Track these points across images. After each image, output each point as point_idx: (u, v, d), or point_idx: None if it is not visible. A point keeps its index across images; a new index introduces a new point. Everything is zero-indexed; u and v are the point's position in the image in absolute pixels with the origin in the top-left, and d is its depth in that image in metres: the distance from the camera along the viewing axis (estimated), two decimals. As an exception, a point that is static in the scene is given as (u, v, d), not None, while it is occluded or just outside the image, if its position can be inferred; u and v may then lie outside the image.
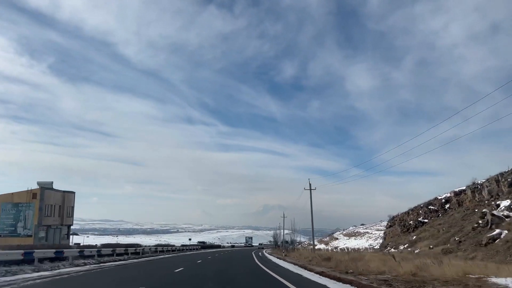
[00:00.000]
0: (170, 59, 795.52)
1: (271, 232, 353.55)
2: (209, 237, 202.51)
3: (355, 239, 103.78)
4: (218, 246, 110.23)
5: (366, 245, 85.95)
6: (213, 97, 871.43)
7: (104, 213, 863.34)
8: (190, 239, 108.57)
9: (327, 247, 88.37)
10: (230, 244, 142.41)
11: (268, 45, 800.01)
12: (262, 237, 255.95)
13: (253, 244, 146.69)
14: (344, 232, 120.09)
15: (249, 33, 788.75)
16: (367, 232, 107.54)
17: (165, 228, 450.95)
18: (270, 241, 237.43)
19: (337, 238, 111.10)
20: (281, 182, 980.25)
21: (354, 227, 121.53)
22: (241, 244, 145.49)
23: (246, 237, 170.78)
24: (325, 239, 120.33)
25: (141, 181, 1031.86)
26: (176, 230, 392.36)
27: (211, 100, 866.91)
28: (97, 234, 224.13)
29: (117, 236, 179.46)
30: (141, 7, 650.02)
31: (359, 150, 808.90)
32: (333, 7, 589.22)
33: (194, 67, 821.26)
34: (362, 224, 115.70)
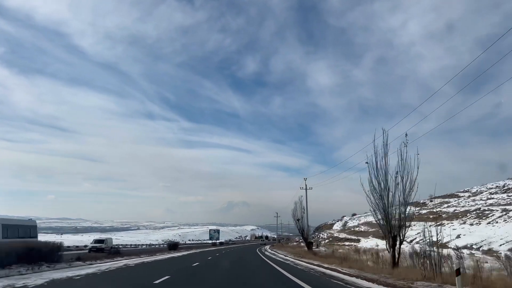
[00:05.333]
0: (128, 51, 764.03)
1: (236, 228, 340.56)
2: (169, 234, 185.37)
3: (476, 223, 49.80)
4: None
5: None
6: (174, 92, 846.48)
7: (62, 212, 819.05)
8: None
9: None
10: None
11: (230, 39, 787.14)
12: (227, 233, 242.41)
13: (222, 241, 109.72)
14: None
15: (210, 26, 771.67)
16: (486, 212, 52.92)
17: (125, 226, 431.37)
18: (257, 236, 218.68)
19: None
20: (245, 178, 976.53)
21: (350, 217, 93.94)
22: (207, 242, 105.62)
23: (210, 230, 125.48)
24: (368, 229, 69.69)
25: (100, 178, 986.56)
26: (137, 227, 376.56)
27: (172, 94, 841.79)
28: (51, 233, 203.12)
29: (61, 235, 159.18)
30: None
31: (320, 147, 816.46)
32: (294, 1, 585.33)
33: (154, 61, 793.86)
34: (343, 216, 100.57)
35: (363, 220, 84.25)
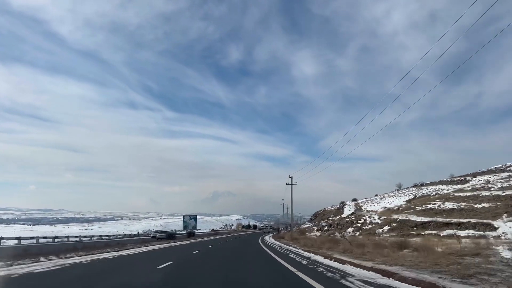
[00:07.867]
0: (109, 39, 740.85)
1: (222, 218, 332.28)
2: (150, 225, 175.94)
3: None
4: None
5: None
6: (157, 81, 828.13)
7: (43, 203, 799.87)
8: None
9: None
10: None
11: (213, 27, 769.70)
12: (212, 223, 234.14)
13: (192, 232, 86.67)
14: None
15: (193, 13, 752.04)
16: None
17: (108, 216, 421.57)
18: (263, 224, 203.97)
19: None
20: (230, 169, 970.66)
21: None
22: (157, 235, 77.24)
23: (184, 217, 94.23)
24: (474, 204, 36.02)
25: (82, 168, 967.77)
26: (120, 218, 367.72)
27: (154, 83, 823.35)
28: (31, 224, 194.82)
29: (32, 226, 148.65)
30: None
31: (305, 137, 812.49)
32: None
33: (135, 49, 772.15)
34: (341, 202, 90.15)
35: (396, 200, 60.58)
